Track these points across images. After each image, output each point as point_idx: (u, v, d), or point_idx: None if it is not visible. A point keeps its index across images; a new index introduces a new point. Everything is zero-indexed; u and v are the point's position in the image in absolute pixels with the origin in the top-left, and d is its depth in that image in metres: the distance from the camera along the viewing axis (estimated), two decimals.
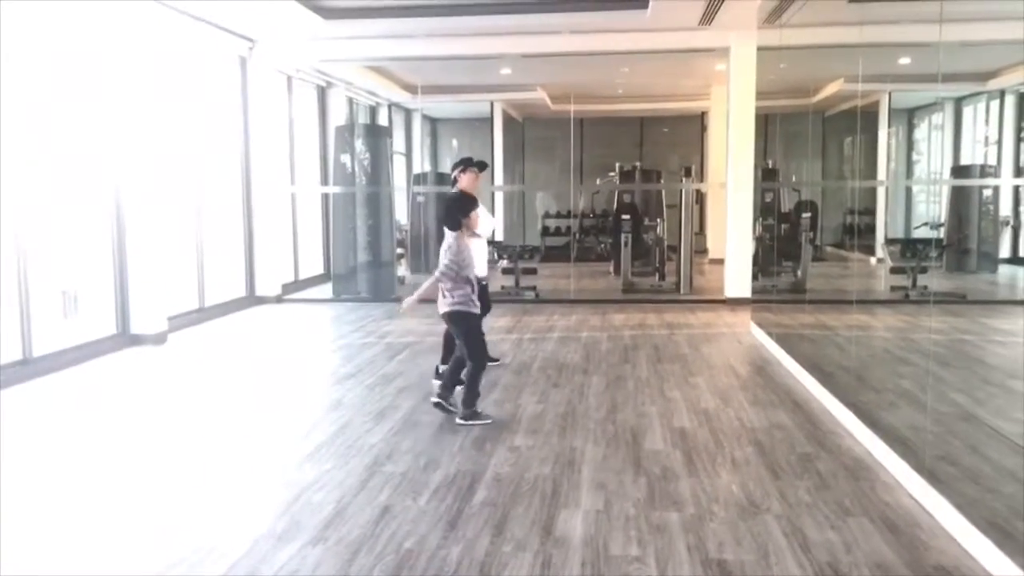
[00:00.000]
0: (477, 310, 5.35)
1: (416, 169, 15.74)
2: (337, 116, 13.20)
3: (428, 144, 17.16)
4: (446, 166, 17.65)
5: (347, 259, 11.32)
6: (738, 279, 10.23)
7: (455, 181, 6.53)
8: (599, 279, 13.13)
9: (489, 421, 5.24)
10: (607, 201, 15.77)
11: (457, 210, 5.38)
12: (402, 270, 13.53)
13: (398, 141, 15.34)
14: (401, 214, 14.00)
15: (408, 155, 15.61)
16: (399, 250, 12.77)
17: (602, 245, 15.22)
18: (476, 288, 5.37)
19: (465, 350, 5.39)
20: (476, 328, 5.34)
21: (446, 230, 5.37)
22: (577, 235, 16.10)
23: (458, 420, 5.28)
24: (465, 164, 6.57)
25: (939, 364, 4.43)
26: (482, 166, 6.84)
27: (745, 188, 10.19)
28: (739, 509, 3.87)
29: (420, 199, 13.54)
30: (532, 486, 4.20)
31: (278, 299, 10.94)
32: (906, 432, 4.48)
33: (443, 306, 5.38)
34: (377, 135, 11.75)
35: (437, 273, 5.30)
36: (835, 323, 6.67)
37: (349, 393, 6.19)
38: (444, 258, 5.27)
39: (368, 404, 5.84)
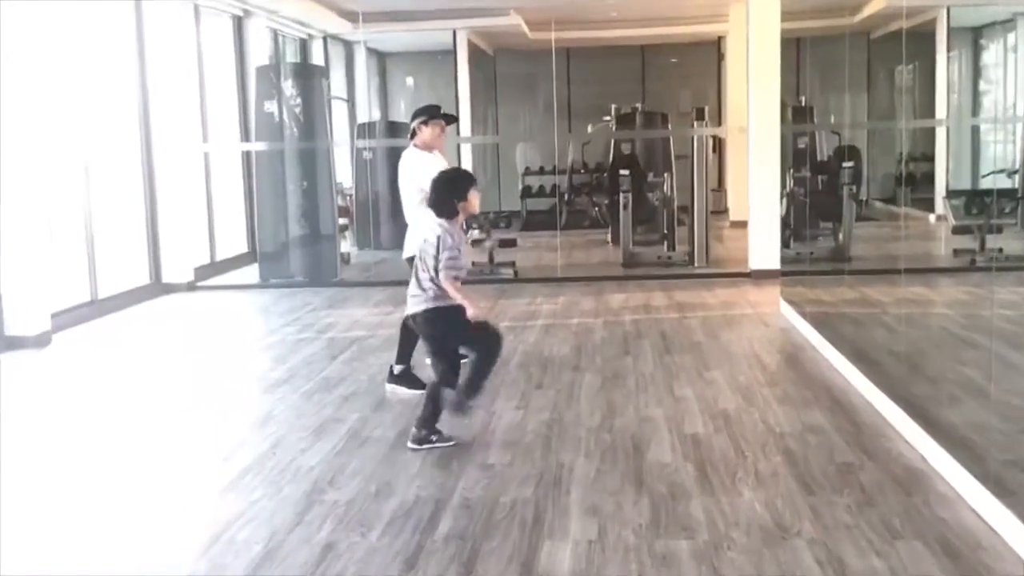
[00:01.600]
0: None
1: (362, 118, 15.70)
2: (259, 54, 13.14)
3: (376, 86, 17.11)
4: (400, 113, 17.63)
5: (276, 234, 11.32)
6: (765, 247, 10.31)
7: (414, 134, 6.53)
8: (593, 251, 13.18)
9: (452, 443, 5.16)
10: (602, 153, 15.81)
11: (450, 191, 5.21)
12: (346, 245, 13.53)
13: (337, 83, 15.30)
14: (344, 175, 13.98)
15: (351, 101, 15.56)
16: (342, 220, 12.76)
17: (596, 208, 15.27)
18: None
19: (476, 343, 5.21)
20: (466, 318, 5.15)
21: (431, 217, 5.18)
22: (566, 196, 16.14)
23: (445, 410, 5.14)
24: (428, 114, 6.56)
25: (1012, 347, 4.49)
26: (449, 119, 6.89)
27: (771, 132, 10.25)
28: (764, 534, 3.94)
29: (367, 156, 13.53)
30: (509, 513, 4.24)
31: (190, 286, 10.93)
32: (969, 433, 4.56)
33: (417, 304, 5.20)
34: (310, 76, 11.73)
35: (433, 281, 5.10)
36: (884, 298, 6.75)
37: (281, 403, 6.21)
38: (440, 258, 5.03)
39: (305, 416, 5.86)
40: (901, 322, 5.87)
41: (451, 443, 5.14)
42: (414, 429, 5.19)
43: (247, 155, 12.59)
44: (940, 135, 10.25)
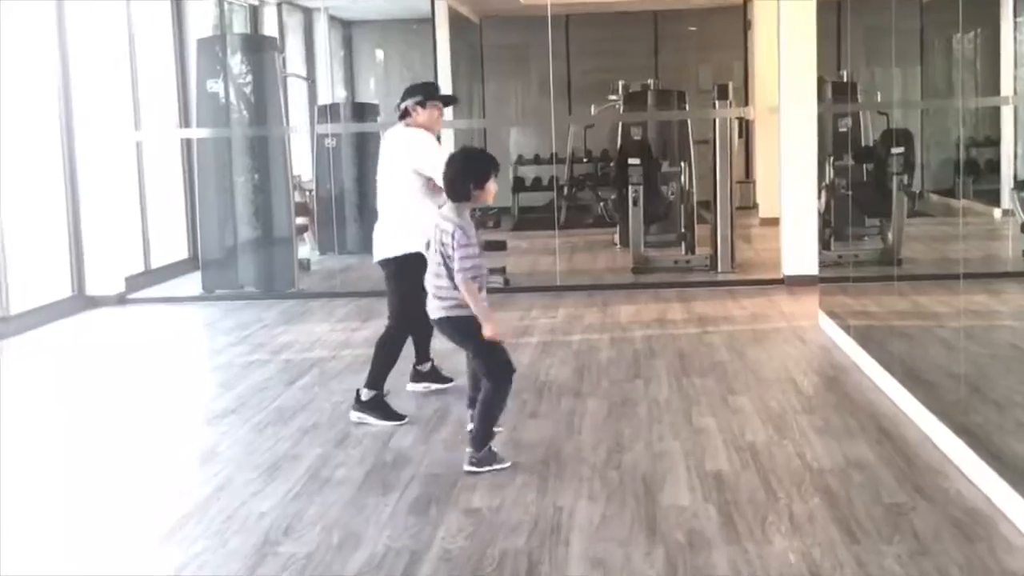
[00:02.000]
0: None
1: (323, 99, 15.68)
2: (201, 25, 13.13)
3: (341, 60, 17.11)
4: (368, 93, 17.65)
5: (223, 237, 11.30)
6: (800, 248, 10.31)
7: (405, 115, 6.53)
8: (598, 254, 13.18)
9: (507, 465, 5.35)
10: (608, 139, 15.81)
11: (469, 171, 5.30)
12: (306, 250, 13.54)
13: (294, 58, 15.29)
14: (302, 166, 13.97)
15: (310, 79, 15.55)
16: (300, 220, 12.75)
17: (602, 204, 15.28)
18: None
19: (482, 367, 5.41)
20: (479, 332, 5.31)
21: (436, 209, 5.32)
22: (565, 190, 16.15)
23: (466, 467, 5.33)
24: (425, 94, 6.57)
25: None
26: (449, 100, 6.93)
27: (806, 113, 10.25)
28: None
29: (330, 143, 13.53)
30: (497, 567, 4.23)
31: (121, 299, 10.91)
32: None
33: (436, 310, 5.40)
34: (261, 50, 11.70)
35: (451, 278, 5.23)
36: (941, 309, 6.77)
37: (228, 437, 6.19)
38: (455, 258, 5.16)
39: (256, 454, 5.85)
40: (961, 337, 5.87)
41: (506, 464, 5.35)
42: (470, 449, 5.35)
43: (187, 144, 12.57)
44: (1007, 115, 10.28)
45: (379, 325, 9.19)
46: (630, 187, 11.68)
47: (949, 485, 4.91)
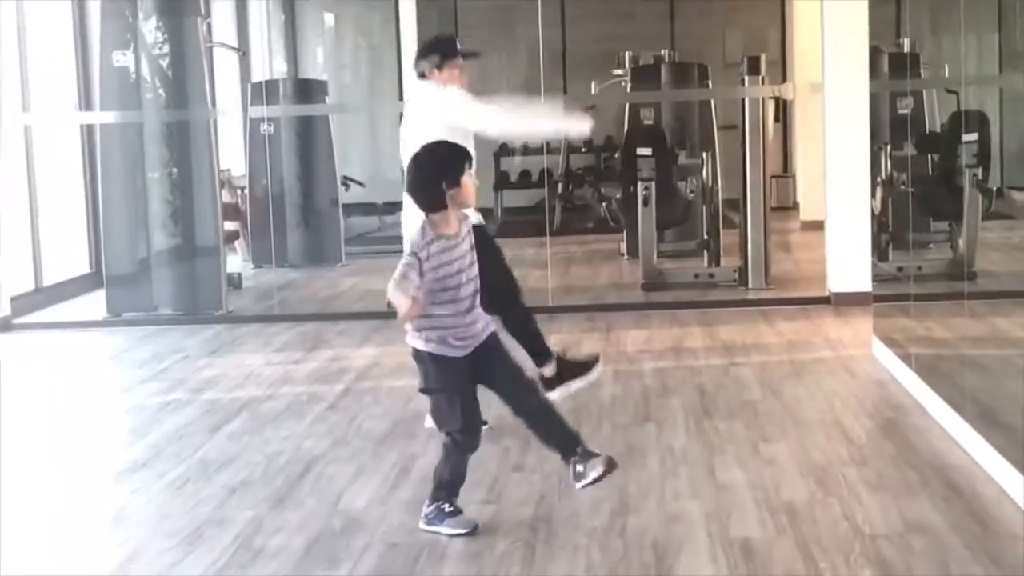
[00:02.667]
0: (456, 352, 5.38)
1: (259, 75, 15.70)
2: None
3: (281, 27, 17.14)
4: (315, 67, 17.68)
5: (133, 247, 11.29)
6: (850, 259, 10.35)
7: (422, 76, 6.83)
8: (600, 266, 13.19)
9: (466, 530, 5.38)
10: (613, 123, 15.85)
11: (437, 172, 5.34)
12: (238, 260, 13.51)
13: (223, 24, 15.29)
14: (233, 158, 13.95)
15: (243, 50, 15.56)
16: (230, 225, 12.72)
17: (605, 204, 15.31)
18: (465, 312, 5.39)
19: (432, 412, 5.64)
20: (449, 379, 5.38)
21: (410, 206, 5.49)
22: (560, 186, 16.16)
23: (421, 524, 5.44)
24: (442, 52, 6.86)
25: None
26: (470, 55, 7.19)
27: (857, 92, 10.26)
28: None
29: (267, 130, 13.52)
30: None
31: (6, 325, 10.90)
32: None
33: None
34: (182, 14, 11.67)
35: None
36: None
37: (138, 496, 6.18)
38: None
39: (172, 517, 5.83)
40: None
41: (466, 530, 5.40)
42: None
43: (88, 130, 12.54)
44: None
45: (329, 354, 9.37)
46: (639, 183, 11.69)
47: None
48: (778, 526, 5.34)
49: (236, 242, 13.53)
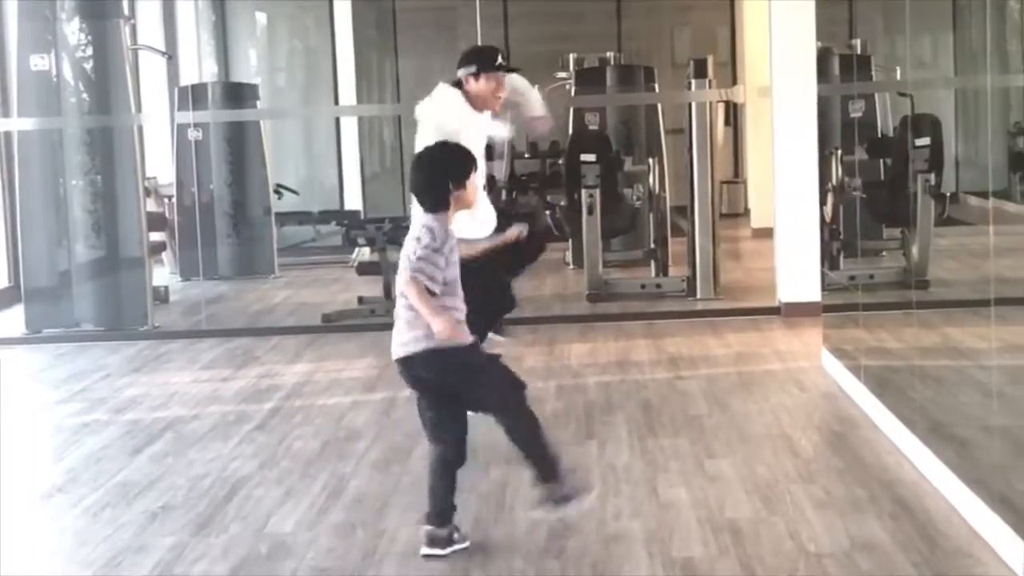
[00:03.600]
0: (468, 335, 5.44)
1: (187, 78, 15.62)
2: None
3: (212, 30, 17.05)
4: (248, 70, 17.59)
5: (53, 258, 11.19)
6: (800, 268, 10.36)
7: (457, 84, 7.03)
8: (544, 276, 13.17)
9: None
10: (557, 128, 15.86)
11: (443, 172, 5.40)
12: (165, 273, 13.42)
13: (148, 26, 15.20)
14: (159, 165, 13.86)
15: (169, 53, 15.47)
16: (156, 236, 12.63)
17: (549, 212, 15.30)
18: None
19: (489, 403, 5.57)
20: (483, 361, 5.48)
21: (417, 210, 5.46)
22: (504, 193, 16.11)
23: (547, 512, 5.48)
24: (480, 63, 7.01)
25: None
26: (507, 67, 7.24)
27: (804, 95, 10.27)
28: None
29: (196, 135, 13.43)
30: None
31: None
32: None
33: (401, 346, 5.42)
34: (103, 17, 11.58)
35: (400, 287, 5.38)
36: (979, 345, 6.78)
37: (54, 523, 6.11)
38: (410, 259, 5.29)
39: (90, 544, 5.76)
40: (1005, 381, 5.89)
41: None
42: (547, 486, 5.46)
43: (6, 137, 12.41)
44: None
45: (258, 371, 9.30)
46: (584, 190, 11.68)
47: (982, 572, 4.92)
48: (721, 545, 5.33)
49: (163, 254, 13.43)
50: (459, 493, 6.14)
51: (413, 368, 5.46)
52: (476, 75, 6.94)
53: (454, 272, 5.38)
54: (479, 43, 11.96)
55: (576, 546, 5.42)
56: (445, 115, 6.94)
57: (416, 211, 6.11)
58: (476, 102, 7.04)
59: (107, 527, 5.96)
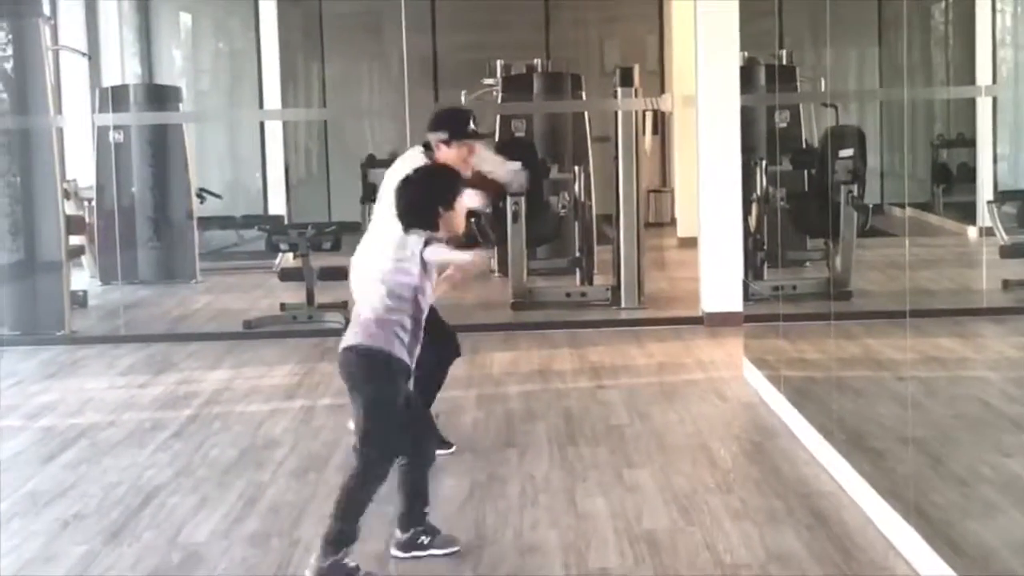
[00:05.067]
0: (405, 357, 5.32)
1: (109, 79, 15.51)
2: None
3: (134, 29, 16.93)
4: (171, 72, 17.48)
5: None
6: (723, 278, 10.43)
7: (428, 148, 6.88)
8: (469, 284, 13.17)
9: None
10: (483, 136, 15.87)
11: (431, 193, 5.41)
12: (84, 277, 13.30)
13: (69, 26, 15.08)
14: (79, 168, 13.74)
15: (89, 54, 15.37)
16: (76, 240, 12.52)
17: (474, 219, 15.29)
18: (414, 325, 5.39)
19: (361, 429, 5.37)
20: (392, 392, 5.33)
21: (391, 231, 5.45)
22: None
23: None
24: (451, 131, 6.83)
25: None
26: (478, 134, 7.15)
27: (728, 105, 10.32)
28: None
29: (117, 138, 13.36)
30: None
31: None
32: (1015, 563, 4.64)
33: (350, 336, 5.35)
34: (21, 16, 11.49)
35: (365, 297, 5.39)
36: (897, 356, 6.85)
37: None
38: (384, 270, 5.31)
39: None
40: (921, 392, 5.97)
41: (453, 549, 5.46)
42: (397, 531, 5.47)
43: None
44: (983, 109, 10.54)
45: (177, 377, 9.26)
46: (509, 198, 11.69)
47: None
48: (637, 556, 5.37)
49: (82, 257, 13.31)
50: (374, 503, 6.17)
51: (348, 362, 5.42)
52: (447, 142, 6.81)
53: (426, 289, 5.33)
54: (403, 50, 11.97)
55: (492, 556, 5.45)
56: None
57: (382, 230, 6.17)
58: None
59: (15, 536, 5.93)
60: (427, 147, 6.91)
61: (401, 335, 5.25)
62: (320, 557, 5.11)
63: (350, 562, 5.14)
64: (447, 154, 6.78)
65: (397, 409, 5.33)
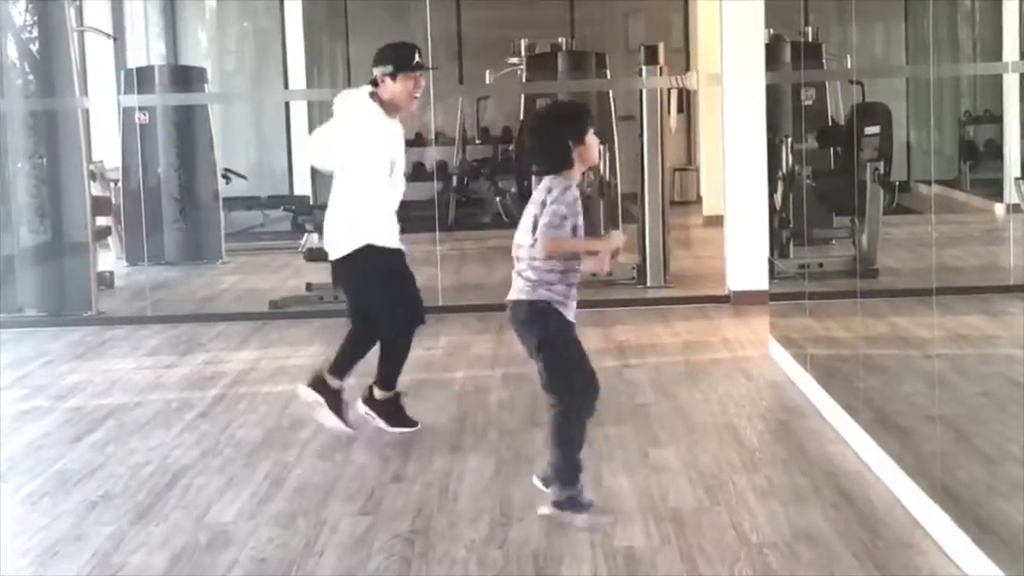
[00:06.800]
0: (570, 314, 5.72)
1: (135, 61, 15.53)
2: None
3: (160, 10, 16.96)
4: (196, 54, 17.50)
5: None
6: (749, 256, 10.42)
7: (375, 84, 6.88)
8: (495, 264, 13.16)
9: (608, 520, 5.49)
10: (508, 114, 15.88)
11: (564, 131, 5.46)
12: (111, 258, 13.35)
13: (95, 8, 15.11)
14: (105, 150, 13.79)
15: (115, 35, 15.40)
16: (102, 221, 12.57)
17: (500, 198, 15.33)
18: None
19: (552, 379, 5.79)
20: (569, 341, 5.76)
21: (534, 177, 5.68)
22: (455, 180, 16.13)
23: (544, 510, 5.50)
24: (396, 62, 6.84)
25: None
26: (424, 66, 7.15)
27: (753, 83, 10.31)
28: None
29: (142, 119, 13.40)
30: None
31: None
32: None
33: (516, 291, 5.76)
34: None
35: (523, 263, 5.68)
36: (924, 334, 6.83)
37: None
38: (538, 227, 5.46)
39: (27, 534, 5.74)
40: (948, 370, 5.95)
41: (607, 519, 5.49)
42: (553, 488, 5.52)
43: None
44: (1011, 86, 10.50)
45: (203, 358, 9.28)
46: (534, 178, 11.66)
47: (922, 562, 4.95)
48: (663, 535, 5.36)
49: (108, 238, 13.36)
50: (401, 482, 6.21)
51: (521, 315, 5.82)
52: (393, 75, 6.79)
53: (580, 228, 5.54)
54: (427, 30, 11.98)
55: (518, 535, 5.43)
56: (353, 126, 6.92)
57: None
58: (391, 103, 6.90)
59: (45, 516, 5.94)
60: (373, 83, 6.89)
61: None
62: (557, 491, 5.43)
63: (586, 496, 5.47)
64: (393, 88, 6.79)
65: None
